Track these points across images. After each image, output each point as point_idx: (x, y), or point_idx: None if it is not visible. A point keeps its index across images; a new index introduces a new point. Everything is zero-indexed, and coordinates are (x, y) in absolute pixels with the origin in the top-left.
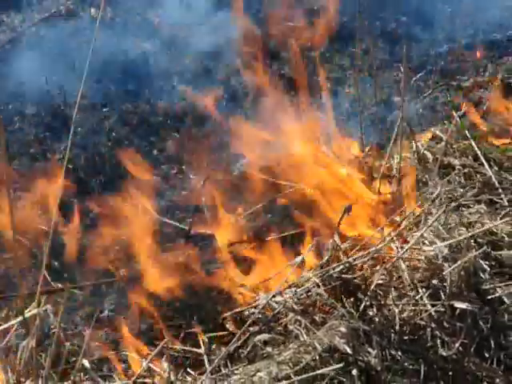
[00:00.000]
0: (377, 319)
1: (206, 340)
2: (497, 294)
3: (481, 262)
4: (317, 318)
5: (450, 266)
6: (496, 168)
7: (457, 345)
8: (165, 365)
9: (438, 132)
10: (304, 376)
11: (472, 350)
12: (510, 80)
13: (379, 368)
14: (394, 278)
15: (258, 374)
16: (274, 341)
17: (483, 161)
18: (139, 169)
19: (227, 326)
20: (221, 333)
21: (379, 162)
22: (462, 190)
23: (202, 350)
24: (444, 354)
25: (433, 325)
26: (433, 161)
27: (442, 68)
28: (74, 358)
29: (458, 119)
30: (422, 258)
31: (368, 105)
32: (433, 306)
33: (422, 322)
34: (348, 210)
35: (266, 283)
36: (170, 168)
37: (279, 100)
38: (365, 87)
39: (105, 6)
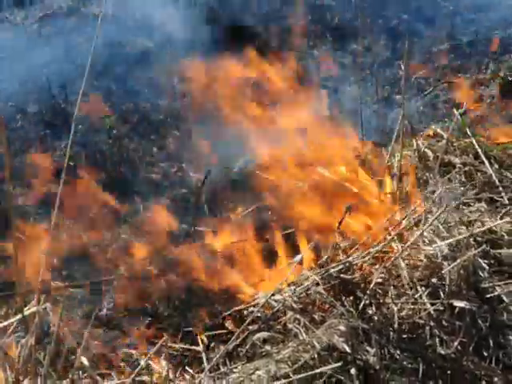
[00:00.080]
0: (376, 318)
1: (205, 338)
2: (496, 293)
3: (480, 260)
4: (316, 317)
5: (449, 265)
6: (496, 166)
7: (455, 343)
8: (163, 363)
9: (438, 130)
10: (303, 374)
11: (471, 348)
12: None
13: (378, 367)
14: (394, 277)
15: (257, 372)
16: (273, 339)
17: (484, 159)
18: None
19: (226, 324)
20: (220, 331)
21: (380, 160)
22: (462, 189)
23: (200, 348)
24: (443, 352)
25: (432, 323)
26: (433, 159)
27: (443, 65)
28: (72, 356)
29: (458, 117)
30: (422, 256)
31: (369, 102)
32: (432, 304)
33: (421, 321)
34: (349, 209)
35: (266, 281)
36: (170, 166)
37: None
38: (366, 85)
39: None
